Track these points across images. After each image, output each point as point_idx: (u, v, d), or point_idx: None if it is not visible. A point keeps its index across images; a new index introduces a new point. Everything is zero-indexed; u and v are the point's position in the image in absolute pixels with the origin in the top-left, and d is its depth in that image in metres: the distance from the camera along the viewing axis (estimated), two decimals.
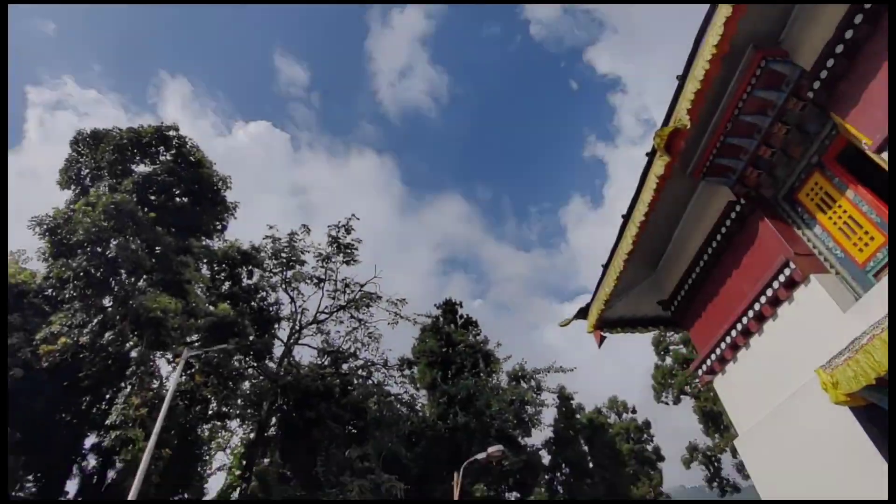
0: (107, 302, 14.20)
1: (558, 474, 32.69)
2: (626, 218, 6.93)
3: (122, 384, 15.56)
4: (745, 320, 6.18)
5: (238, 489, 23.23)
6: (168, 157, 16.93)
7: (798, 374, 5.39)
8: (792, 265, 5.55)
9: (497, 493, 25.76)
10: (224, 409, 18.52)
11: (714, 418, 33.14)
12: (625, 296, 8.36)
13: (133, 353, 15.25)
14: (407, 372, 28.96)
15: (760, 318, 6.00)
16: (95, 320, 13.32)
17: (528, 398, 28.83)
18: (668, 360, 36.63)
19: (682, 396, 35.23)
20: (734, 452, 32.60)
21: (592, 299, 8.27)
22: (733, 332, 6.37)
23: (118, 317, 13.28)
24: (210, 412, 18.30)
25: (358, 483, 22.95)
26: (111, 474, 18.54)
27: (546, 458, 31.93)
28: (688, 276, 7.28)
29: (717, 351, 6.68)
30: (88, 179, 16.66)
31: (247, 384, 23.41)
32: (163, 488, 18.52)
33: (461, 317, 33.69)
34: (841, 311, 5.13)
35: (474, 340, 31.78)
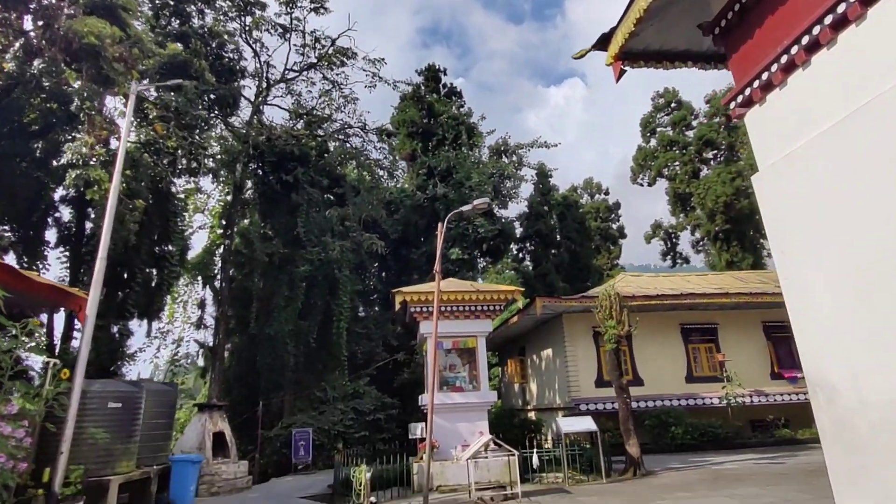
0: (28, 25, 11.85)
1: (528, 244, 35.09)
2: None
3: (75, 132, 14.23)
4: (816, 30, 5.00)
5: (221, 247, 24.09)
6: None
7: (872, 88, 4.50)
8: None
9: (470, 258, 27.65)
10: (193, 164, 17.66)
11: (683, 200, 34.65)
12: (657, 19, 6.92)
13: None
14: (386, 139, 27.94)
15: (840, 25, 4.83)
16: (17, 44, 11.21)
17: (509, 172, 28.87)
18: (653, 142, 36.46)
19: (658, 179, 36.12)
20: (693, 229, 35.06)
21: (620, 21, 6.82)
22: (794, 49, 5.25)
23: (44, 41, 11.17)
24: (180, 167, 17.43)
25: (339, 243, 23.94)
26: (88, 225, 18.53)
27: (518, 231, 33.77)
28: None
29: (765, 76, 5.65)
30: None
31: (216, 147, 22.24)
32: (144, 239, 18.78)
33: (444, 86, 31.39)
34: None
35: (457, 112, 30.22)
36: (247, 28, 21.98)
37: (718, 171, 31.05)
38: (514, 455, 9.87)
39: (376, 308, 30.09)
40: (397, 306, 12.85)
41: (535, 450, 10.32)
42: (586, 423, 11.71)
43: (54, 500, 7.76)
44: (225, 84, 18.33)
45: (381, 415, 21.51)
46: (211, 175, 21.17)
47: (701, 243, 35.16)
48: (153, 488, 10.13)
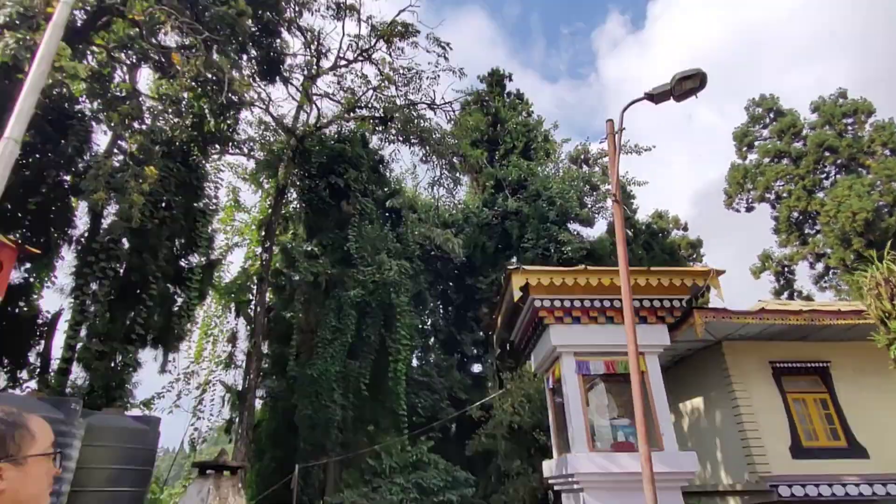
0: None
1: None
2: None
3: None
4: None
5: (258, 263, 20.01)
6: None
7: None
8: None
9: None
10: (228, 131, 13.77)
11: (799, 224, 28.74)
12: None
13: None
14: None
15: None
16: None
17: (597, 179, 24.13)
18: (752, 157, 31.19)
19: (759, 203, 30.48)
20: (817, 259, 28.81)
21: None
22: None
23: None
24: (208, 133, 13.24)
25: (397, 263, 19.50)
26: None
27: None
28: None
29: None
30: None
31: (254, 132, 18.58)
32: (163, 240, 14.61)
33: (510, 93, 27.60)
34: None
35: (525, 119, 26.19)
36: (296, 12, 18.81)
37: (850, 183, 25.36)
38: None
39: (436, 352, 24.97)
40: (515, 295, 7.97)
41: None
42: None
43: None
44: (268, 53, 14.85)
45: (452, 495, 15.86)
46: (244, 148, 17.20)
47: (826, 278, 28.74)
48: None
